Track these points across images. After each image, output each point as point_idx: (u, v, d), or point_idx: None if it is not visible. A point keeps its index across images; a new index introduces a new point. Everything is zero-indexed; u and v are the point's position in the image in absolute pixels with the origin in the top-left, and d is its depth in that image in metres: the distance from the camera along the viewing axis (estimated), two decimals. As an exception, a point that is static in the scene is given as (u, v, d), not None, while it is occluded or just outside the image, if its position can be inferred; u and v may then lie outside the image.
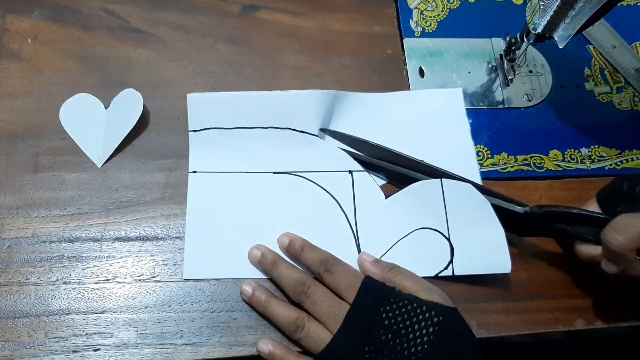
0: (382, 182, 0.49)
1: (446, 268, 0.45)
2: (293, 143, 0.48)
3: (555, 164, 0.52)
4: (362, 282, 0.41)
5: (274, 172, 0.48)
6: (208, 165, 0.47)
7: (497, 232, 0.44)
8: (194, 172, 0.47)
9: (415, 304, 0.39)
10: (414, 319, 0.38)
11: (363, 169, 0.48)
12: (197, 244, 0.45)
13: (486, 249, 0.44)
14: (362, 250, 0.45)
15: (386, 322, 0.38)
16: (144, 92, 0.49)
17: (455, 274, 0.45)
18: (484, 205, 0.45)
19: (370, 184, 0.48)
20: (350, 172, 0.48)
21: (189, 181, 0.47)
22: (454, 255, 0.45)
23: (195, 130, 0.48)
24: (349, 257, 0.44)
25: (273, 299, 0.42)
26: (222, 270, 0.44)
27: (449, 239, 0.45)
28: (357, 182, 0.48)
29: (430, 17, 0.58)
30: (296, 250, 0.44)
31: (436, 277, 0.45)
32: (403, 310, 0.39)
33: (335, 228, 0.46)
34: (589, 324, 0.46)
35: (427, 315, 0.38)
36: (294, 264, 0.44)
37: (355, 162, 0.49)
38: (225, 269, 0.44)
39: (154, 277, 0.44)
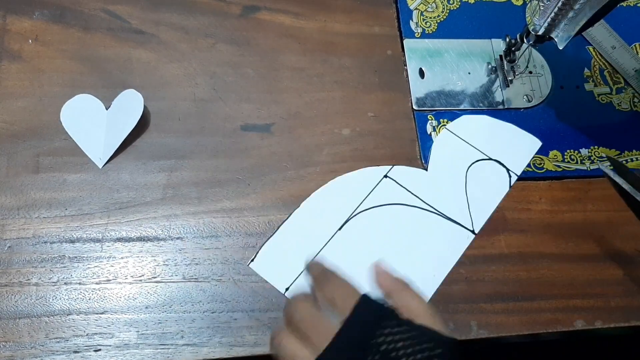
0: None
1: (510, 176, 0.51)
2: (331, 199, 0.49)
3: (555, 165, 0.52)
4: (359, 298, 0.35)
5: (338, 230, 0.47)
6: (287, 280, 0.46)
7: (509, 129, 0.52)
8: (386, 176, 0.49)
9: (417, 332, 0.34)
10: (413, 348, 0.34)
11: (390, 166, 0.50)
12: (279, 246, 0.46)
13: (515, 142, 0.52)
14: (455, 219, 0.48)
15: (383, 348, 0.34)
16: (145, 92, 0.49)
17: (518, 174, 0.51)
18: (485, 119, 0.53)
19: (406, 171, 0.50)
20: (385, 175, 0.50)
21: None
22: (505, 164, 0.51)
23: None
24: (453, 234, 0.48)
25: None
26: (286, 279, 0.45)
27: (490, 158, 0.51)
28: (398, 179, 0.50)
29: (430, 18, 0.58)
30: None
31: (510, 188, 0.50)
32: (405, 335, 0.34)
33: (422, 223, 0.48)
34: (589, 324, 0.46)
35: (429, 345, 0.34)
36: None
37: (381, 167, 0.50)
38: (283, 279, 0.45)
39: (155, 277, 0.44)
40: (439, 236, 0.48)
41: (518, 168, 0.51)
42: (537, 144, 0.52)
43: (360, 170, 0.50)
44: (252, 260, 0.45)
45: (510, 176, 0.50)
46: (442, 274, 0.46)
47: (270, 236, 0.46)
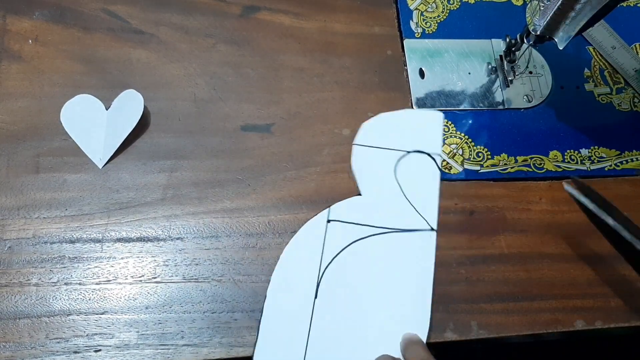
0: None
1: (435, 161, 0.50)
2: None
3: (555, 165, 0.52)
4: None
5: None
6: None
7: (408, 113, 0.52)
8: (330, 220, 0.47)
9: None
10: None
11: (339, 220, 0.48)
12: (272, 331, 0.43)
13: (421, 123, 0.51)
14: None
15: None
16: (145, 93, 0.49)
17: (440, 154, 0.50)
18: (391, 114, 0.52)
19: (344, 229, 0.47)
20: (329, 220, 0.47)
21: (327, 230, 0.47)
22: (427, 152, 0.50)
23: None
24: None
25: None
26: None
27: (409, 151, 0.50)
28: (332, 231, 0.47)
29: (430, 18, 0.58)
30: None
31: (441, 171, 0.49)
32: None
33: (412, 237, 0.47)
34: (589, 325, 0.46)
35: None
36: None
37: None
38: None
39: (155, 277, 0.44)
40: (406, 252, 0.46)
41: (436, 147, 0.50)
42: (439, 116, 0.52)
43: (303, 228, 0.47)
44: None
45: (434, 159, 0.49)
46: (429, 285, 0.45)
47: (255, 342, 0.43)
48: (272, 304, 0.44)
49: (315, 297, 0.44)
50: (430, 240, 0.47)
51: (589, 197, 0.43)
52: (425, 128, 0.51)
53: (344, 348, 0.43)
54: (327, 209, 0.47)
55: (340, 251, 0.46)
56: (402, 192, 0.48)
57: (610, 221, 0.41)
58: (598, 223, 0.43)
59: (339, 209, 0.48)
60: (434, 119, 0.52)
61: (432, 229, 0.47)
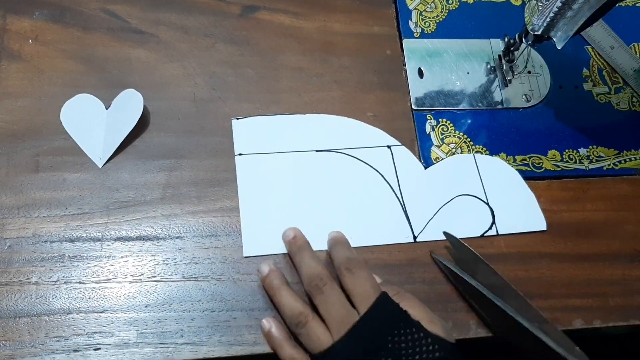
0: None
1: (490, 228, 0.49)
2: (333, 126, 0.51)
3: (554, 164, 0.52)
4: (378, 296, 0.40)
5: (317, 150, 0.49)
6: (252, 148, 0.49)
7: (528, 196, 0.50)
8: (240, 154, 0.49)
9: (421, 334, 0.38)
10: (417, 349, 0.38)
11: (400, 143, 0.51)
12: (252, 222, 0.47)
13: (522, 210, 0.50)
14: (409, 216, 0.48)
15: (389, 345, 0.38)
16: (145, 92, 0.49)
17: (499, 232, 0.49)
18: (514, 174, 0.51)
19: (409, 156, 0.51)
20: (389, 146, 0.51)
21: (236, 164, 0.48)
22: (495, 217, 0.49)
23: (238, 118, 0.50)
24: (398, 226, 0.48)
25: (284, 287, 0.42)
26: (277, 246, 0.46)
27: (487, 203, 0.50)
28: (396, 156, 0.51)
29: (429, 18, 0.58)
30: (331, 240, 0.45)
31: (482, 237, 0.48)
32: (409, 337, 0.38)
33: (381, 198, 0.49)
34: (587, 324, 0.46)
35: (430, 347, 0.38)
36: (317, 259, 0.44)
37: (392, 138, 0.51)
38: (280, 245, 0.46)
39: (155, 276, 0.44)
40: (386, 216, 0.48)
41: (506, 228, 0.49)
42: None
43: (372, 127, 0.51)
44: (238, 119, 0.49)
45: (490, 228, 0.49)
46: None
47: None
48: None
49: (317, 151, 0.49)
50: (403, 239, 0.48)
51: (459, 252, 0.46)
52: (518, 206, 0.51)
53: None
54: (399, 143, 0.51)
55: (362, 162, 0.50)
56: (440, 207, 0.49)
57: (472, 282, 0.43)
58: (462, 283, 0.45)
59: (401, 151, 0.51)
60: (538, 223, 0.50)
61: (414, 237, 0.48)
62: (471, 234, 0.48)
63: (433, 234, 0.48)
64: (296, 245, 0.44)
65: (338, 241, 0.45)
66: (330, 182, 0.49)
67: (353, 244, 0.46)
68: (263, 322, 0.42)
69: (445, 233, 0.47)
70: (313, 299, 0.41)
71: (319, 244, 0.46)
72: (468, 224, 0.49)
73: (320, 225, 0.47)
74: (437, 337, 0.39)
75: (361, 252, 0.46)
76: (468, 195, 0.50)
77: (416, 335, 0.38)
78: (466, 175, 0.51)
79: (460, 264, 0.46)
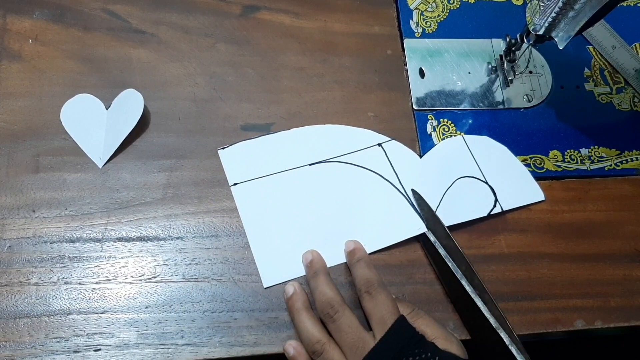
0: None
1: (495, 206, 0.49)
2: (319, 136, 0.51)
3: (555, 165, 0.52)
4: (395, 321, 0.40)
5: (310, 164, 0.49)
6: (246, 175, 0.48)
7: (521, 170, 0.51)
8: (235, 184, 0.48)
9: (437, 358, 0.39)
10: None
11: (389, 139, 0.51)
12: (264, 251, 0.46)
13: (519, 184, 0.51)
14: (416, 207, 0.48)
15: None
16: (145, 92, 0.49)
17: (504, 209, 0.49)
18: (504, 151, 0.52)
19: (402, 149, 0.51)
20: (380, 144, 0.51)
21: (233, 195, 0.47)
22: (497, 194, 0.49)
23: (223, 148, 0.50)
24: (408, 219, 0.48)
25: (304, 312, 0.42)
26: (295, 270, 0.45)
27: (487, 182, 0.50)
28: (389, 152, 0.50)
29: (430, 17, 0.58)
30: (352, 260, 0.45)
31: (489, 216, 0.49)
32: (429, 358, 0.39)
33: (385, 197, 0.49)
34: (589, 324, 0.46)
35: None
36: (331, 284, 0.43)
37: (380, 135, 0.51)
38: (297, 268, 0.45)
39: (155, 277, 0.44)
40: (393, 213, 0.48)
41: (509, 204, 0.50)
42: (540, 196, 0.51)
43: (359, 129, 0.51)
44: (223, 148, 0.49)
45: (494, 206, 0.49)
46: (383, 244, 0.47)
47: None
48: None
49: (310, 165, 0.49)
50: (415, 230, 0.48)
51: (425, 213, 0.48)
52: (517, 188, 0.51)
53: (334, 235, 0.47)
54: (389, 138, 0.51)
55: (358, 166, 0.49)
56: (445, 191, 0.49)
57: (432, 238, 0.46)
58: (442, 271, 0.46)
59: (393, 146, 0.51)
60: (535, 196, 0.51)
61: (427, 227, 0.48)
62: (479, 214, 0.49)
63: (443, 220, 0.48)
64: (312, 270, 0.44)
65: (357, 258, 0.45)
66: (330, 193, 0.48)
67: (368, 250, 0.46)
68: (286, 347, 0.42)
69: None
70: (327, 326, 0.42)
71: (336, 258, 0.46)
72: (473, 206, 0.49)
73: (332, 239, 0.46)
74: (451, 356, 0.40)
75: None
76: (467, 177, 0.50)
77: (431, 359, 0.39)
78: (460, 157, 0.51)
79: (428, 224, 0.47)
